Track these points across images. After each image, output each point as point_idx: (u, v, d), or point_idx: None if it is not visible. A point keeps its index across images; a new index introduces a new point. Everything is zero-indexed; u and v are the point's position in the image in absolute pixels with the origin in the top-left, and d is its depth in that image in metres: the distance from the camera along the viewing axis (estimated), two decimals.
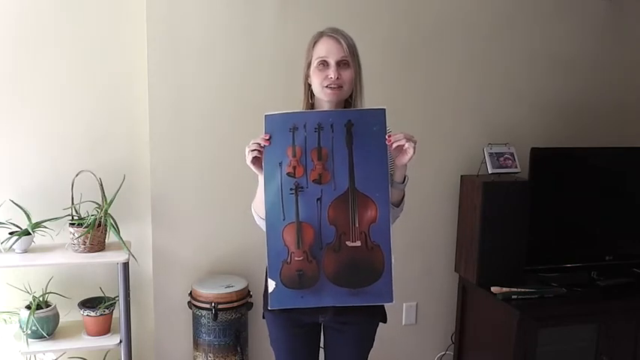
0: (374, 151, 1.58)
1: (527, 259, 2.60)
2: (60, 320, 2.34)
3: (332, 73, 1.59)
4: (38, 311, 2.25)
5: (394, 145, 1.56)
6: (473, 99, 2.81)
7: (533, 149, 2.64)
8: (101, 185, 2.33)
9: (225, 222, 2.55)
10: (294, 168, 1.58)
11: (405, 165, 1.61)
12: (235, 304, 2.39)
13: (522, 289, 2.50)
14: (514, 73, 2.85)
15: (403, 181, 1.65)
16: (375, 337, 1.81)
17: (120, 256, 2.28)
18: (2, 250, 2.26)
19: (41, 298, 2.31)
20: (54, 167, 2.42)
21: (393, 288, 1.61)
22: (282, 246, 1.59)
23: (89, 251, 2.29)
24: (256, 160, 1.59)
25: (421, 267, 2.86)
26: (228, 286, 2.42)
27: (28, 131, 2.40)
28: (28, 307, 2.26)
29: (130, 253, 2.30)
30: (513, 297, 2.47)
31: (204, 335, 2.39)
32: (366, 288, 1.60)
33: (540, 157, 2.64)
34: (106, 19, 2.42)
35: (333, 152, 1.58)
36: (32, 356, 2.39)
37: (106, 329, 2.36)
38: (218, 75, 2.48)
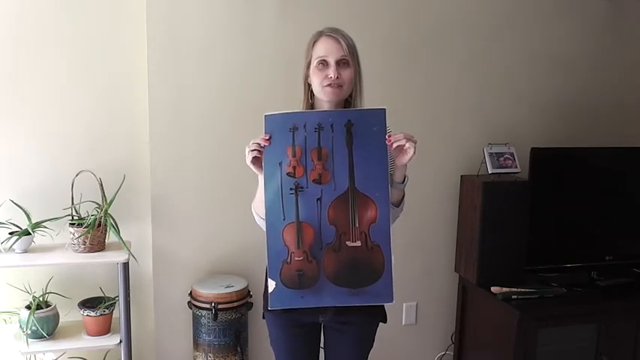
0: (374, 151, 1.57)
1: (527, 259, 2.60)
2: (60, 320, 2.34)
3: (332, 72, 1.59)
4: (38, 311, 2.25)
5: (394, 145, 1.56)
6: (473, 99, 2.81)
7: (533, 149, 2.64)
8: (101, 185, 2.33)
9: (225, 222, 2.55)
10: (294, 168, 1.58)
11: (405, 165, 1.61)
12: (235, 304, 2.39)
13: (522, 289, 2.50)
14: (514, 73, 2.85)
15: (403, 181, 1.65)
16: (375, 337, 1.81)
17: (120, 256, 2.28)
18: (2, 250, 2.26)
19: (41, 298, 2.31)
20: (54, 167, 2.42)
21: (393, 288, 1.61)
22: (282, 246, 1.59)
23: (89, 251, 2.29)
24: (256, 160, 1.59)
25: (421, 267, 2.86)
26: (228, 286, 2.42)
27: (28, 131, 2.40)
28: (28, 307, 2.26)
29: (130, 253, 2.30)
30: (513, 297, 2.47)
31: (204, 335, 2.39)
32: (366, 288, 1.60)
33: (540, 157, 2.64)
34: (106, 19, 2.42)
35: (333, 152, 1.58)
36: (32, 356, 2.39)
37: (106, 329, 2.36)
38: (218, 75, 2.48)
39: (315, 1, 2.52)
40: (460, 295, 2.82)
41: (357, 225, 1.59)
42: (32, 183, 2.41)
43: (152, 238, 2.51)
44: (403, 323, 2.88)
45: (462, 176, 2.74)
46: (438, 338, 2.96)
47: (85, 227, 2.25)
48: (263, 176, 1.60)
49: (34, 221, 2.32)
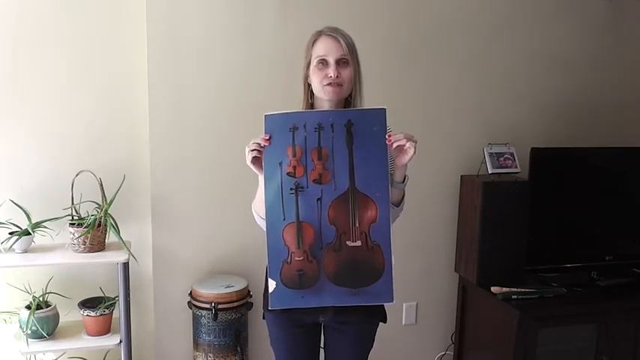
0: (374, 151, 1.57)
1: (527, 259, 2.60)
2: (60, 320, 2.34)
3: (331, 71, 1.59)
4: (38, 311, 2.25)
5: (394, 145, 1.56)
6: (473, 99, 2.81)
7: (533, 149, 2.64)
8: (101, 185, 2.33)
9: (225, 222, 2.55)
10: (295, 168, 1.58)
11: (406, 165, 1.61)
12: (235, 304, 2.39)
13: (522, 289, 2.50)
14: (514, 73, 2.85)
15: (403, 181, 1.65)
16: (375, 337, 1.81)
17: (120, 256, 2.28)
18: (2, 250, 2.26)
19: (41, 298, 2.31)
20: (54, 167, 2.42)
21: (394, 288, 1.61)
22: (283, 246, 1.59)
23: (89, 251, 2.29)
24: (256, 160, 1.59)
25: (421, 267, 2.86)
26: (228, 286, 2.42)
27: (28, 131, 2.40)
28: (28, 307, 2.26)
29: (130, 253, 2.30)
30: (513, 297, 2.47)
31: (204, 335, 2.39)
32: (366, 288, 1.60)
33: (540, 157, 2.64)
34: (106, 19, 2.42)
35: (333, 152, 1.58)
36: (32, 356, 2.38)
37: (106, 329, 2.36)
38: (218, 75, 2.48)
39: (315, 1, 2.53)
40: (460, 295, 2.82)
41: (358, 225, 1.59)
42: (32, 183, 2.41)
43: (152, 238, 2.51)
44: (403, 323, 2.88)
45: (462, 176, 2.74)
46: (438, 338, 2.96)
47: (85, 227, 2.25)
48: (263, 176, 1.60)
49: (34, 221, 2.31)
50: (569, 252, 2.78)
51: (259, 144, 1.58)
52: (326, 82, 1.60)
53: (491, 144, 2.63)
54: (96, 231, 2.28)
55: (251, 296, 2.48)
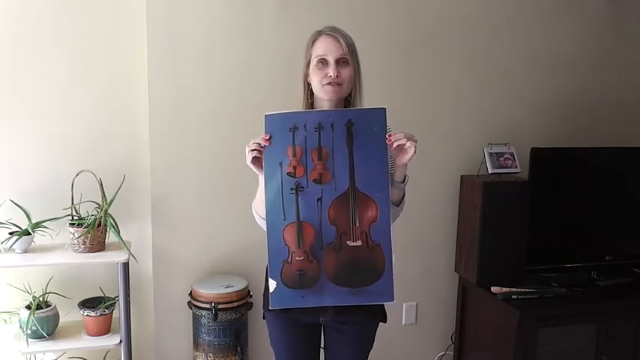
0: (374, 151, 1.57)
1: (527, 259, 2.60)
2: (60, 320, 2.34)
3: (331, 71, 1.59)
4: (38, 311, 2.25)
5: (395, 145, 1.56)
6: (473, 99, 2.81)
7: (533, 149, 2.64)
8: (101, 185, 2.33)
9: (225, 222, 2.55)
10: (295, 168, 1.58)
11: (406, 164, 1.61)
12: (235, 304, 2.38)
13: (522, 289, 2.50)
14: (514, 73, 2.85)
15: (403, 181, 1.65)
16: (375, 337, 1.81)
17: (120, 256, 2.28)
18: (2, 250, 2.26)
19: (41, 298, 2.31)
20: (54, 167, 2.42)
21: (394, 287, 1.61)
22: (283, 246, 1.59)
23: (89, 251, 2.29)
24: (256, 160, 1.59)
25: (421, 267, 2.86)
26: (228, 286, 2.42)
27: (28, 131, 2.40)
28: (28, 307, 2.26)
29: (130, 253, 2.30)
30: (513, 297, 2.47)
31: (204, 335, 2.39)
32: (366, 287, 1.60)
33: (540, 157, 2.64)
34: (106, 19, 2.42)
35: (333, 152, 1.58)
36: (32, 356, 2.38)
37: (106, 329, 2.36)
38: (218, 75, 2.48)
39: (315, 1, 2.53)
40: (460, 295, 2.82)
41: (358, 224, 1.59)
42: (32, 183, 2.41)
43: (152, 238, 2.51)
44: (403, 323, 2.88)
45: (462, 176, 2.74)
46: (438, 338, 2.96)
47: (85, 227, 2.25)
48: (263, 176, 1.60)
49: (34, 221, 2.31)
50: (569, 252, 2.78)
51: (259, 144, 1.58)
52: (326, 81, 1.60)
53: (491, 144, 2.63)
54: (96, 231, 2.28)
55: (251, 296, 2.48)
